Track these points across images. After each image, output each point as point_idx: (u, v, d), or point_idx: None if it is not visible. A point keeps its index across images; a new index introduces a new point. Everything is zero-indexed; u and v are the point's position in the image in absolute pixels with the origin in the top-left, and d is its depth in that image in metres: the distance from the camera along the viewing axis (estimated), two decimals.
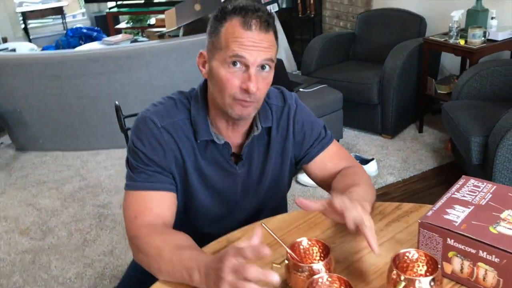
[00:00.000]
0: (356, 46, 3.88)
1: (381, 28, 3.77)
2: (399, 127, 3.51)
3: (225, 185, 1.25)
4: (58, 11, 6.37)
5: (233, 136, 1.22)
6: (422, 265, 0.94)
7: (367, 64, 3.62)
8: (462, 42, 3.02)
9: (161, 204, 1.15)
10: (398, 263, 0.94)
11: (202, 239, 1.13)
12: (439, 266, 0.88)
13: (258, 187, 1.29)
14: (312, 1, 4.73)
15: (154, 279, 1.05)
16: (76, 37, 6.11)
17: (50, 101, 3.47)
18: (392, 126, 3.40)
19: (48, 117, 3.54)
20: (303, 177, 2.90)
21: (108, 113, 3.38)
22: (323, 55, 3.67)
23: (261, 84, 1.09)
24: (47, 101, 3.47)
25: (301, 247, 0.99)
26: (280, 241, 0.94)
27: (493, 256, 0.90)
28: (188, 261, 0.96)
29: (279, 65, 2.98)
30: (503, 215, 0.97)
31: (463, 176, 1.12)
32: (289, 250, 0.94)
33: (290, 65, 4.32)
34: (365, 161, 2.97)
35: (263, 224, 0.94)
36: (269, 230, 0.94)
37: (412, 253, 0.94)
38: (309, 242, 0.99)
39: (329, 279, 0.89)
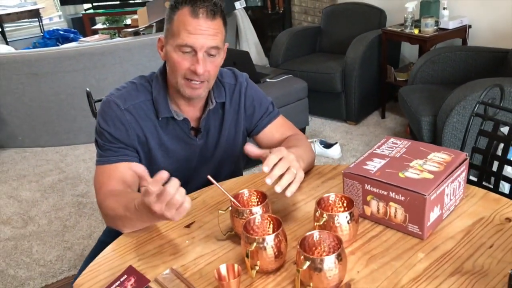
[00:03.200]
0: (322, 39, 4.08)
1: (345, 21, 3.97)
2: (363, 114, 3.72)
3: (186, 155, 1.42)
4: (35, 14, 6.42)
5: (191, 111, 1.39)
6: (342, 206, 1.12)
7: (332, 56, 3.81)
8: (416, 31, 3.23)
9: (124, 172, 1.31)
10: (324, 205, 1.11)
11: None
12: (354, 204, 1.06)
13: (214, 155, 1.46)
14: None
15: None
16: (53, 39, 6.19)
17: (28, 99, 3.60)
18: (356, 113, 3.59)
19: (26, 114, 3.66)
20: None
21: (86, 109, 3.49)
22: (290, 48, 3.86)
23: (209, 66, 1.27)
24: (25, 99, 3.60)
25: (243, 197, 1.16)
26: (224, 191, 1.11)
27: (400, 195, 1.08)
28: (139, 206, 1.07)
29: (245, 57, 3.17)
30: (412, 164, 1.15)
31: (385, 136, 1.31)
32: (232, 198, 1.11)
33: (260, 59, 4.50)
34: (328, 145, 3.15)
35: (209, 177, 1.10)
36: (214, 182, 1.11)
37: (333, 196, 1.12)
38: (250, 193, 1.17)
39: (261, 218, 1.06)
